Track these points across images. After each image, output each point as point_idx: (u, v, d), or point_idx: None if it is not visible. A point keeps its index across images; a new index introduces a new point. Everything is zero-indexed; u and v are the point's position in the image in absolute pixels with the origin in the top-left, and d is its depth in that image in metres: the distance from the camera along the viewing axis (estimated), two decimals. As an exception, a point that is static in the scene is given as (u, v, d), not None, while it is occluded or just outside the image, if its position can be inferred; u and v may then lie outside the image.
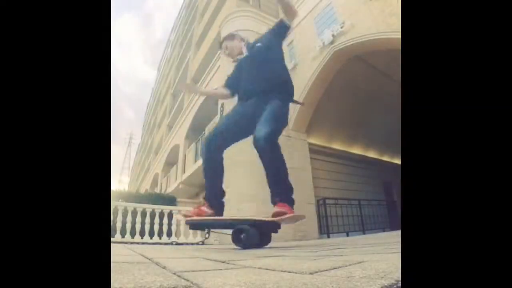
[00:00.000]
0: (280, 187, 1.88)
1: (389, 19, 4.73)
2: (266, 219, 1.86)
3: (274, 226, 1.91)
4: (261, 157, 1.79)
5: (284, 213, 1.75)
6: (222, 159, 2.00)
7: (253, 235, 1.85)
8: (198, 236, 5.13)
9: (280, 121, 1.84)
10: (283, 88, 1.94)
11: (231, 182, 5.36)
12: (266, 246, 2.57)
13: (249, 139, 1.88)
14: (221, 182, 2.02)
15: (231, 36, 2.28)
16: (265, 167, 1.83)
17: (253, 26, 7.23)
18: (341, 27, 5.63)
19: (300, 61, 6.72)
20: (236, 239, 2.05)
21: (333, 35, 5.77)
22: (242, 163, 5.39)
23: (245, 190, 5.26)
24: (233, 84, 2.15)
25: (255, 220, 1.94)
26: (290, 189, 1.91)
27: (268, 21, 7.58)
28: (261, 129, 1.72)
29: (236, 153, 5.51)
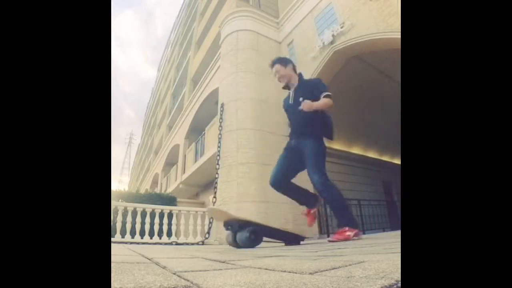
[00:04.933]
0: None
1: (389, 19, 4.73)
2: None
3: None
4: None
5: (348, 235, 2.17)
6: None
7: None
8: (198, 236, 5.12)
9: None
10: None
11: (231, 182, 5.37)
12: (266, 246, 2.57)
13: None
14: (302, 190, 2.53)
15: (284, 61, 2.52)
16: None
17: (253, 26, 7.23)
18: (341, 27, 5.62)
19: (300, 61, 6.71)
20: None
21: (333, 35, 5.76)
22: (243, 164, 5.40)
23: (244, 190, 5.27)
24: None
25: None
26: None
27: (268, 21, 7.58)
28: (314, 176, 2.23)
29: (239, 155, 5.52)
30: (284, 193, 2.47)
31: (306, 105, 2.18)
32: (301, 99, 2.28)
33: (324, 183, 2.19)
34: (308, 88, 2.40)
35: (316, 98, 2.26)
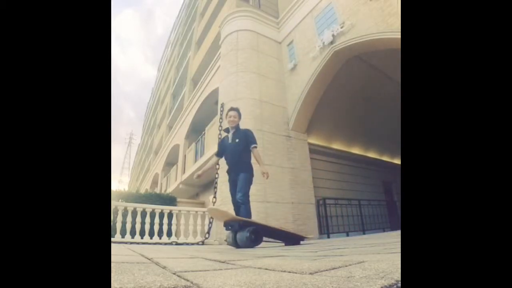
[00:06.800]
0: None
1: (389, 19, 4.73)
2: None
3: None
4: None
5: None
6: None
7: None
8: (198, 236, 5.13)
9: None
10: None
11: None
12: (266, 246, 2.57)
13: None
14: None
15: (239, 111, 3.41)
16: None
17: (253, 26, 7.23)
18: (341, 27, 5.63)
19: (300, 61, 6.72)
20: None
21: (333, 35, 5.76)
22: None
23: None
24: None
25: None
26: None
27: (268, 21, 7.58)
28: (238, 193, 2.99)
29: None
30: (235, 210, 3.07)
31: (266, 174, 3.12)
32: (237, 140, 3.19)
33: (243, 198, 2.93)
34: (242, 135, 3.24)
35: (248, 144, 3.19)
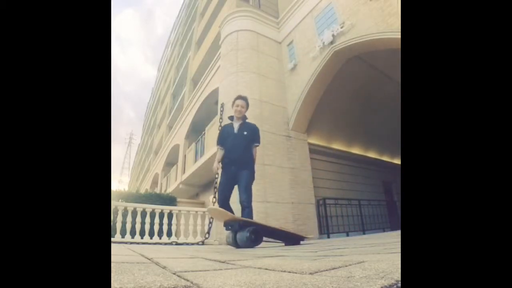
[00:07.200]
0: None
1: (389, 19, 4.73)
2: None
3: None
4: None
5: None
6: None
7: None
8: (198, 236, 5.12)
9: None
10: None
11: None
12: (266, 246, 2.57)
13: None
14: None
15: (247, 100, 3.15)
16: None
17: (253, 26, 7.24)
18: (341, 27, 5.63)
19: (300, 61, 6.72)
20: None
21: (333, 35, 5.77)
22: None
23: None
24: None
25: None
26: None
27: (268, 21, 7.58)
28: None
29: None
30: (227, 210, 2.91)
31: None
32: (245, 132, 2.99)
33: (248, 200, 2.79)
34: (251, 129, 3.06)
35: (253, 140, 3.03)
